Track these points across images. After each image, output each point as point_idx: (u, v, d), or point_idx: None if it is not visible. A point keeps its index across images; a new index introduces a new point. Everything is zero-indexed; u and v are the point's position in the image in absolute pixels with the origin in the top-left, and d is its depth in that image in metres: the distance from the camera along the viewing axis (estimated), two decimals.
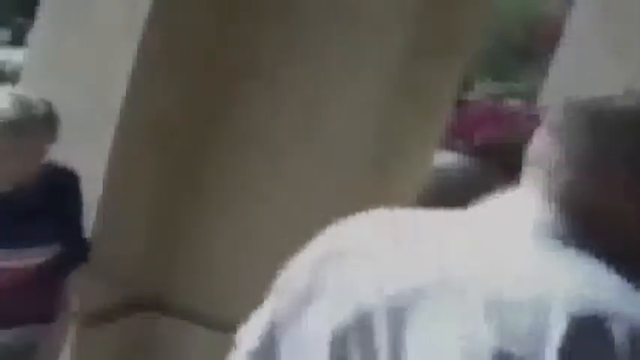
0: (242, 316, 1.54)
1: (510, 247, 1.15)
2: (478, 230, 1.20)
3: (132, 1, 3.28)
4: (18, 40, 19.76)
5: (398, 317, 1.17)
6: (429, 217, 1.29)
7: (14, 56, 15.50)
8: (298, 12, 3.53)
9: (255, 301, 1.52)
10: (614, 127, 1.18)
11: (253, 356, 1.38)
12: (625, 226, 1.15)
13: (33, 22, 3.50)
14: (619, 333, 1.03)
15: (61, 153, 3.31)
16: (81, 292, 2.83)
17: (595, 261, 1.11)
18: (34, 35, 3.55)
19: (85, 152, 3.31)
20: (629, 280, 1.09)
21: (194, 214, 3.68)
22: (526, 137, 1.30)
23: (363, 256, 1.27)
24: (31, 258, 2.55)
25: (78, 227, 2.71)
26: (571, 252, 1.12)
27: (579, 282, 1.08)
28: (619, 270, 1.10)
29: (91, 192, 3.28)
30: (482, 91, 18.46)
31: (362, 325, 1.20)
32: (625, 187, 1.15)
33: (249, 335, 1.42)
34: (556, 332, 1.03)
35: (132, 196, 3.45)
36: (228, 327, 1.79)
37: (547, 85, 5.19)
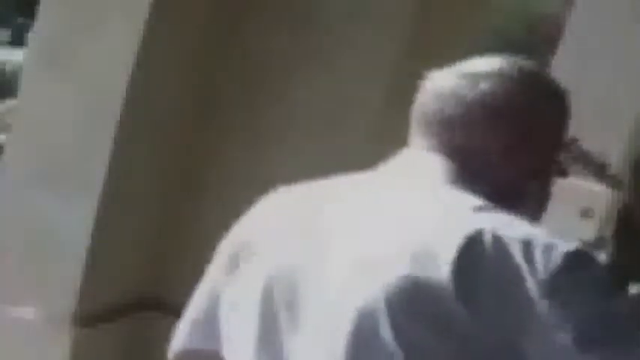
0: None
1: (420, 191, 1.51)
2: (395, 179, 1.59)
3: (132, 0, 3.28)
4: (18, 40, 19.74)
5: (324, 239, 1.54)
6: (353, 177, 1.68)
7: (14, 56, 15.49)
8: (303, 15, 3.53)
9: None
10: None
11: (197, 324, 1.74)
12: (493, 172, 1.52)
13: (33, 22, 3.50)
14: (509, 241, 1.35)
15: (61, 152, 3.33)
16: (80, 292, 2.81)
17: (476, 197, 1.46)
18: (34, 35, 3.55)
19: (85, 152, 3.32)
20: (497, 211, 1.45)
21: (194, 214, 3.68)
22: None
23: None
24: None
25: None
26: (458, 191, 1.48)
27: (465, 210, 1.42)
28: (491, 203, 1.46)
29: (91, 192, 3.29)
30: None
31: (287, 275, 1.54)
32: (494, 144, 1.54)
33: (192, 305, 1.77)
34: (450, 249, 1.35)
35: (132, 196, 3.45)
36: None
37: None
